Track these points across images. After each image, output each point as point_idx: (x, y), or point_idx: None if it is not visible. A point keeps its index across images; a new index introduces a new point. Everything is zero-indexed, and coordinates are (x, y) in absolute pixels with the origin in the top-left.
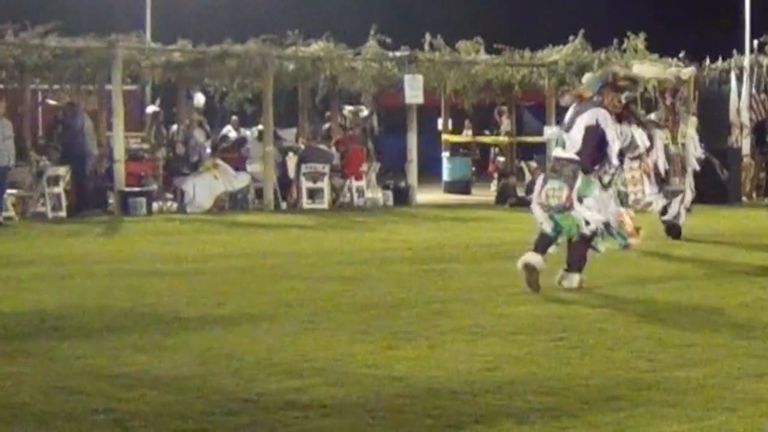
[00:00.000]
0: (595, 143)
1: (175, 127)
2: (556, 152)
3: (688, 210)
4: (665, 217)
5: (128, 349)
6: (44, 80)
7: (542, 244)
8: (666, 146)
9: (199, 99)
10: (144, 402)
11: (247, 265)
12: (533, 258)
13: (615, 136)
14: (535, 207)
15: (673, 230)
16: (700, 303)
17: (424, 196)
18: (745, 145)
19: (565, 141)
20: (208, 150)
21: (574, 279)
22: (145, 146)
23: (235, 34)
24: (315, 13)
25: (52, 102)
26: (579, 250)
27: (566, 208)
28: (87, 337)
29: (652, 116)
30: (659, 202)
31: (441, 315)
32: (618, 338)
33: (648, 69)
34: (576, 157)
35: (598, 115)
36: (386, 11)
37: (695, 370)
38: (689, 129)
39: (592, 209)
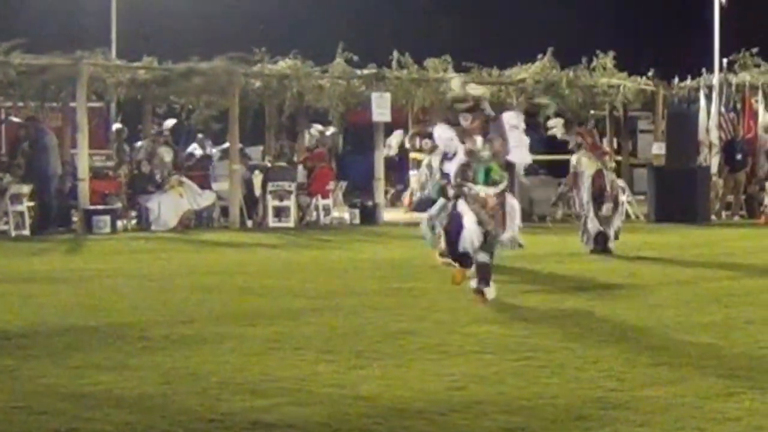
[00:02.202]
0: None
1: (139, 144)
2: None
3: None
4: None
5: (92, 368)
6: (8, 97)
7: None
8: (600, 171)
9: (168, 123)
10: (107, 422)
11: (213, 284)
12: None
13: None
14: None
15: (603, 251)
16: (668, 322)
17: (391, 214)
18: (714, 163)
19: None
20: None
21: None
22: (110, 164)
23: (201, 52)
24: (282, 30)
25: (15, 119)
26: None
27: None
28: (50, 356)
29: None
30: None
31: (408, 334)
32: (586, 357)
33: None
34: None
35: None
36: (354, 29)
37: (664, 389)
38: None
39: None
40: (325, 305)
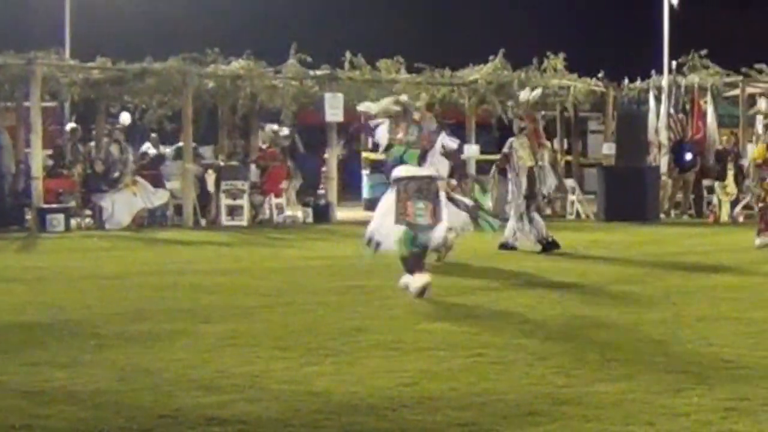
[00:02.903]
0: None
1: (93, 143)
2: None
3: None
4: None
5: (45, 365)
6: None
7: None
8: (532, 169)
9: (125, 118)
10: (61, 418)
11: (166, 282)
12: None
13: None
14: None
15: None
16: (618, 319)
17: (344, 213)
18: (663, 163)
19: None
20: (131, 164)
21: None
22: (63, 163)
23: (155, 52)
24: (235, 31)
25: None
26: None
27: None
28: (3, 353)
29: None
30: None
31: (360, 331)
32: (537, 354)
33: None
34: (437, 174)
35: None
36: (307, 30)
37: (613, 385)
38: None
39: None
40: (278, 302)
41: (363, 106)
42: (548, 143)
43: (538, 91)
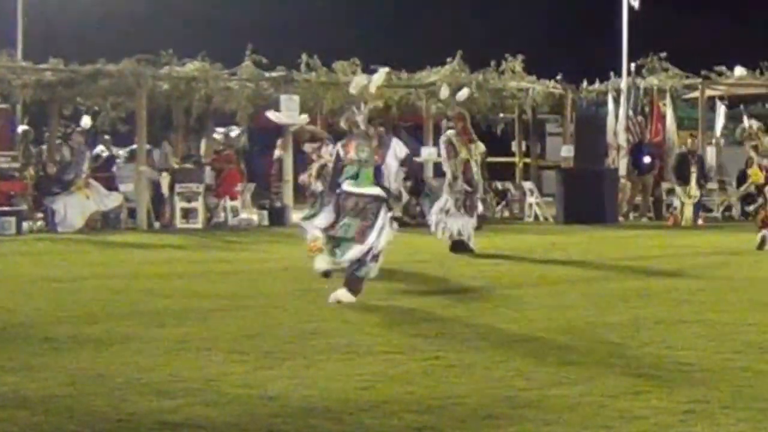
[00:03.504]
0: None
1: (45, 146)
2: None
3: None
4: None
5: None
6: None
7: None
8: (468, 163)
9: (86, 121)
10: (13, 422)
11: (119, 285)
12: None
13: None
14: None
15: (459, 246)
16: (576, 322)
17: (300, 215)
18: (622, 166)
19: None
20: (86, 167)
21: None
22: (15, 165)
23: (108, 54)
24: (190, 32)
25: None
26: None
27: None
28: None
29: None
30: None
31: (316, 334)
32: (494, 357)
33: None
34: (383, 194)
35: None
36: (262, 31)
37: (571, 389)
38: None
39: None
40: (233, 306)
41: (272, 116)
42: (479, 142)
43: (465, 91)
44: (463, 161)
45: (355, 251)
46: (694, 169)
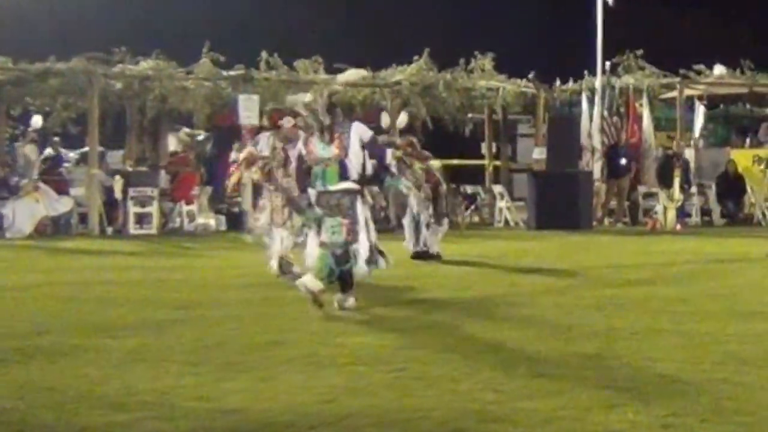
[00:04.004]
0: None
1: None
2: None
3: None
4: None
5: None
6: None
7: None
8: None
9: (37, 121)
10: None
11: (70, 293)
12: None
13: None
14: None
15: (422, 254)
16: (548, 332)
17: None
18: (597, 168)
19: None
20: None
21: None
22: None
23: (58, 51)
24: (144, 29)
25: None
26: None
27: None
28: None
29: None
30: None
31: (276, 345)
32: (463, 369)
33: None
34: (355, 186)
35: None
36: (220, 27)
37: (544, 402)
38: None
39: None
40: (190, 315)
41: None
42: (435, 160)
43: (403, 117)
44: (421, 169)
45: (361, 252)
46: (678, 172)
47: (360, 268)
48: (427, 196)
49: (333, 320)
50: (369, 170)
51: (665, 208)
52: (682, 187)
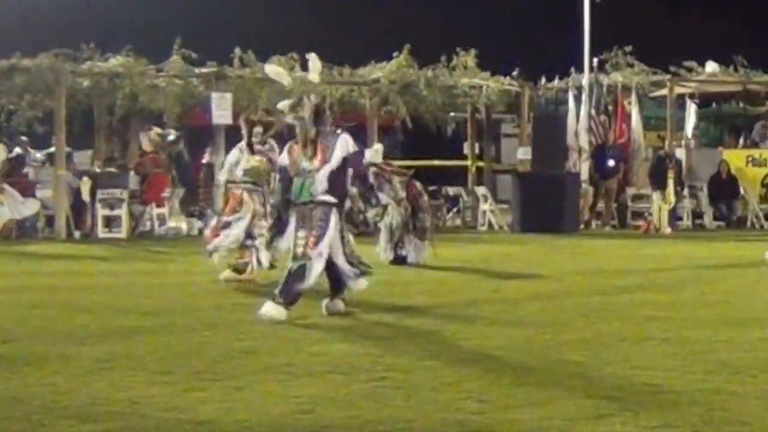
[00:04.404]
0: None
1: None
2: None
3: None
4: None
5: None
6: None
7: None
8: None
9: None
10: None
11: (36, 300)
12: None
13: None
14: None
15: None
16: (533, 339)
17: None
18: (584, 170)
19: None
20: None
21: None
22: None
23: (24, 48)
24: (113, 25)
25: None
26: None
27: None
28: None
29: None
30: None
31: (250, 353)
32: (445, 377)
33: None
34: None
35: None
36: (192, 23)
37: (528, 412)
38: None
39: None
40: (160, 322)
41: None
42: (404, 171)
43: (378, 146)
44: (400, 182)
45: (316, 266)
46: (671, 173)
47: (359, 282)
48: (407, 210)
49: (310, 327)
50: (349, 184)
51: (659, 210)
52: (675, 189)
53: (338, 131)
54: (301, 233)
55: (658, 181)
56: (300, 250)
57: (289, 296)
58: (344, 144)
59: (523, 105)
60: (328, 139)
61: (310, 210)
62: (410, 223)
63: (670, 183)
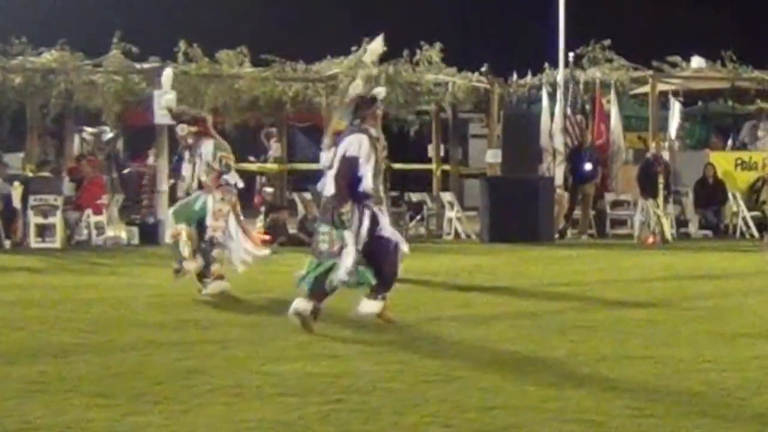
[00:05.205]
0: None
1: None
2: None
3: None
4: None
5: None
6: None
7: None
8: None
9: None
10: None
11: None
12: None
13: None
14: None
15: None
16: (505, 359)
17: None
18: (559, 174)
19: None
20: None
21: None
22: None
23: None
24: (47, 17)
25: None
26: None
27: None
28: None
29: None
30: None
31: (196, 373)
32: (407, 400)
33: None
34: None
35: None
36: (133, 15)
37: None
38: None
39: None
40: (98, 340)
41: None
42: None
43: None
44: None
45: (341, 271)
46: (662, 178)
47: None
48: None
49: (259, 346)
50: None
51: (659, 219)
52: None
53: (355, 127)
54: (324, 227)
55: (648, 188)
56: (325, 246)
57: (317, 292)
58: (347, 144)
59: (493, 103)
60: (344, 135)
61: (328, 203)
62: None
63: (660, 190)
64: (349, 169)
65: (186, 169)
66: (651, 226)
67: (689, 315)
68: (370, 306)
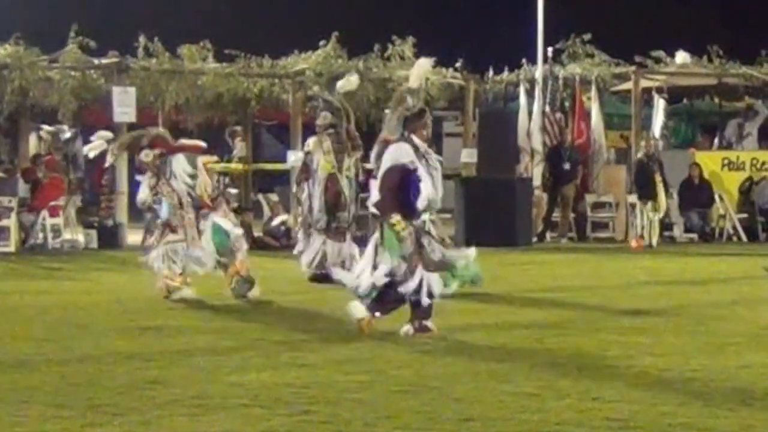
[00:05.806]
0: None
1: None
2: None
3: None
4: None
5: None
6: None
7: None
8: (334, 176)
9: None
10: None
11: None
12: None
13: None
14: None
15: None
16: (480, 368)
17: (137, 236)
18: (537, 174)
19: None
20: None
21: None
22: None
23: None
24: (0, 10)
25: None
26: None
27: None
28: None
29: None
30: None
31: (157, 383)
32: (379, 411)
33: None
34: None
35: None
36: (90, 8)
37: None
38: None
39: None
40: (54, 348)
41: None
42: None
43: (354, 78)
44: (329, 174)
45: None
46: (659, 178)
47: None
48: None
49: (223, 353)
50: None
51: (649, 222)
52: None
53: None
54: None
55: (645, 191)
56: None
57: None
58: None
59: (468, 100)
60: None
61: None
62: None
63: (660, 189)
64: (394, 179)
65: (143, 191)
66: (639, 229)
67: (674, 322)
68: (358, 310)
